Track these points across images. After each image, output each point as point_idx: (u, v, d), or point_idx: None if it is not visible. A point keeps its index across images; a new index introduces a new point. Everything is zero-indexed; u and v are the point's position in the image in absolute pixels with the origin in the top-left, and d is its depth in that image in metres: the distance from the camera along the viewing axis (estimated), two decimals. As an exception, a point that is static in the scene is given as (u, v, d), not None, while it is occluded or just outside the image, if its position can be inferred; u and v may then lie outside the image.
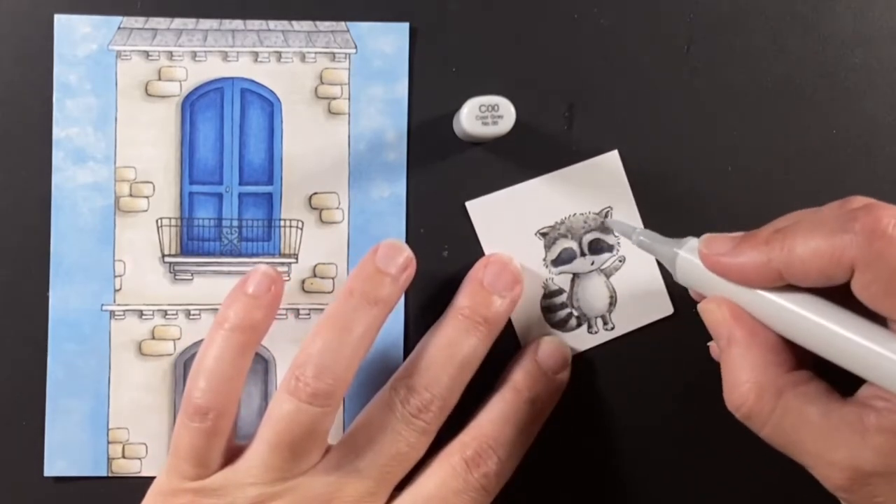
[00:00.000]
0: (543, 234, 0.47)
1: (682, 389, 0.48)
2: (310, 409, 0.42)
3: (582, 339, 0.48)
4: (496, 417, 0.45)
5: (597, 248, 0.47)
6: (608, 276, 0.48)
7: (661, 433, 0.48)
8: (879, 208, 0.34)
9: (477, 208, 0.47)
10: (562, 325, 0.47)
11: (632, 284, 0.48)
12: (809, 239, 0.35)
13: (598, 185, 0.47)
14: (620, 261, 0.48)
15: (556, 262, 0.47)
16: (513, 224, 0.47)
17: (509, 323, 0.47)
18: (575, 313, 0.48)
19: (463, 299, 0.45)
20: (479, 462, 0.43)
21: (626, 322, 0.48)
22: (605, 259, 0.47)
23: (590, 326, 0.48)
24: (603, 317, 0.48)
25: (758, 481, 0.48)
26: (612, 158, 0.47)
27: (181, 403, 0.43)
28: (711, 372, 0.47)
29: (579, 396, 0.47)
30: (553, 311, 0.47)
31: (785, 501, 0.48)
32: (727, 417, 0.47)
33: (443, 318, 0.45)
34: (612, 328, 0.48)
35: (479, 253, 0.47)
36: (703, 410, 0.47)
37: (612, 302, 0.48)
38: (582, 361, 0.48)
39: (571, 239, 0.47)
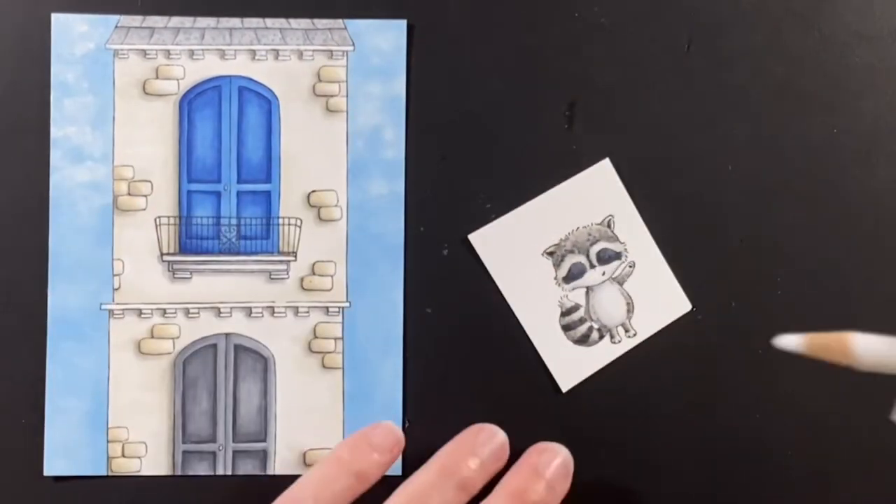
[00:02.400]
0: (550, 253, 0.47)
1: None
2: None
3: (606, 351, 0.48)
4: None
5: (605, 257, 0.47)
6: (621, 283, 0.47)
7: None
8: None
9: (480, 239, 0.47)
10: (584, 340, 0.47)
11: (646, 288, 0.47)
12: None
13: (595, 195, 0.47)
14: (631, 266, 0.47)
15: (568, 278, 0.47)
16: (518, 248, 0.47)
17: (530, 343, 0.47)
18: (595, 326, 0.47)
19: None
20: None
21: (646, 326, 0.48)
22: (615, 267, 0.47)
23: (612, 337, 0.47)
24: (623, 324, 0.47)
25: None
26: (605, 167, 0.47)
27: None
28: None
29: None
30: (573, 327, 0.47)
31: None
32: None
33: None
34: (634, 334, 0.47)
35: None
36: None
37: (630, 308, 0.47)
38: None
39: (579, 253, 0.47)
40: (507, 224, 0.47)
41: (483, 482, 0.44)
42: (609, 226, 0.47)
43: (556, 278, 0.47)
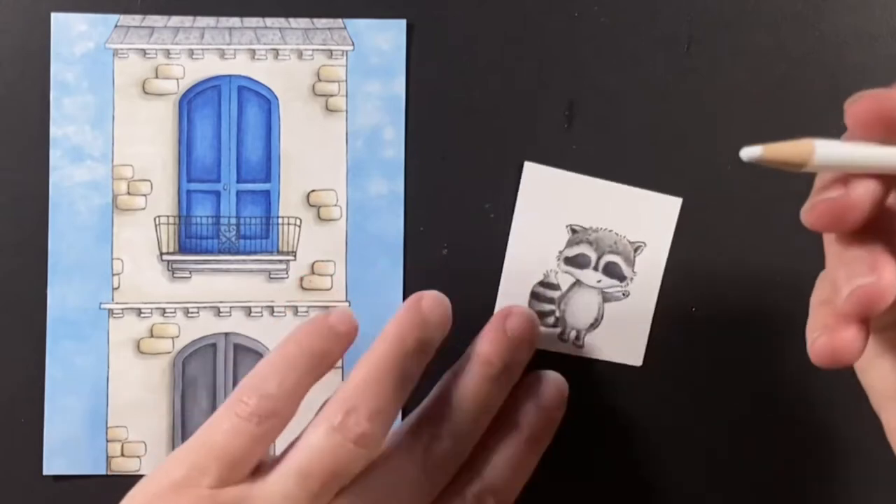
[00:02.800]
0: (574, 231, 0.47)
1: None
2: (354, 449, 0.40)
3: (550, 341, 0.48)
4: (502, 462, 0.44)
5: (611, 271, 0.47)
6: (605, 300, 0.47)
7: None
8: None
9: (532, 172, 0.47)
10: (540, 317, 0.47)
11: (620, 320, 0.47)
12: None
13: (647, 217, 0.47)
14: (624, 294, 0.47)
15: (569, 261, 0.47)
16: (553, 204, 0.47)
17: (490, 304, 0.47)
18: (557, 314, 0.47)
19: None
20: (446, 459, 0.42)
21: (595, 349, 0.47)
22: (612, 284, 0.47)
23: (563, 333, 0.47)
24: (579, 332, 0.47)
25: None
26: (673, 203, 0.47)
27: (231, 400, 0.41)
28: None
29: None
30: (540, 300, 0.47)
31: None
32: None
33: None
34: (581, 346, 0.47)
35: (479, 250, 0.47)
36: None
37: (595, 325, 0.47)
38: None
39: (594, 249, 0.47)
40: (562, 179, 0.47)
41: (438, 343, 0.44)
42: (636, 250, 0.47)
43: (560, 252, 0.47)
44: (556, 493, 0.47)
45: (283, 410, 0.41)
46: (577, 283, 0.47)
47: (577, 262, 0.47)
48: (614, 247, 0.47)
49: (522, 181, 0.47)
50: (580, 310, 0.47)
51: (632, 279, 0.47)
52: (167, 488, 0.39)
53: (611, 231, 0.47)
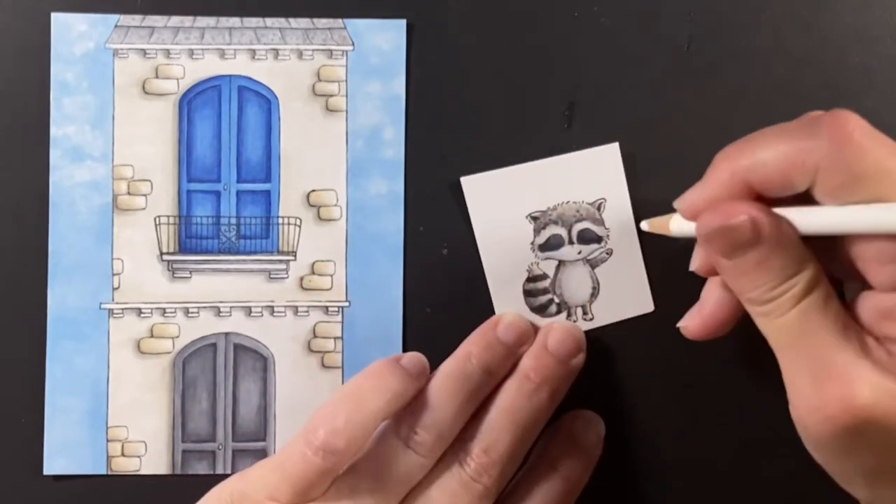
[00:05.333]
0: (534, 218, 0.47)
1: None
2: (420, 460, 0.42)
3: None
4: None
5: (586, 237, 0.47)
6: (593, 266, 0.47)
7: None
8: (845, 115, 0.35)
9: (471, 184, 0.47)
10: (541, 310, 0.47)
11: (615, 278, 0.47)
12: (774, 145, 0.36)
13: (594, 175, 0.47)
14: (608, 253, 0.47)
15: (544, 247, 0.47)
16: (505, 204, 0.47)
17: (490, 306, 0.47)
18: (556, 300, 0.47)
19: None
20: (481, 473, 0.43)
21: (605, 314, 0.48)
22: (592, 249, 0.47)
23: (569, 314, 0.47)
24: (583, 306, 0.47)
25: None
26: (612, 150, 0.47)
27: (305, 431, 0.41)
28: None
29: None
30: (534, 295, 0.47)
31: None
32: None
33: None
34: (592, 318, 0.48)
35: (478, 248, 0.47)
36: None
37: (595, 293, 0.47)
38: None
39: (561, 226, 0.47)
40: (502, 177, 0.47)
41: (508, 366, 0.45)
42: (599, 208, 0.47)
43: (532, 243, 0.47)
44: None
45: (349, 447, 0.41)
46: (561, 263, 0.47)
47: (551, 244, 0.47)
48: (578, 214, 0.47)
49: (466, 197, 0.47)
50: (575, 286, 0.48)
51: (608, 236, 0.48)
52: (253, 495, 0.41)
53: (568, 202, 0.47)
